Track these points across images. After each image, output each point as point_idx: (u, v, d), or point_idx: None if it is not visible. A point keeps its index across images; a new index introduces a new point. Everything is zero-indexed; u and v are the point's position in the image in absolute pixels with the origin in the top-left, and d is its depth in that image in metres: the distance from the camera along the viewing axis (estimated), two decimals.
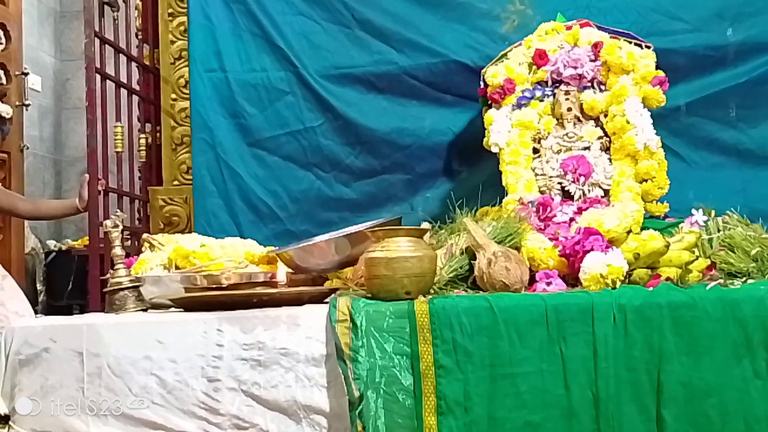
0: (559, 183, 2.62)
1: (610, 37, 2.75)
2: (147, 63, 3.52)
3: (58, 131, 5.17)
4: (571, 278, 2.11)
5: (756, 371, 1.74)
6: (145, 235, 2.64)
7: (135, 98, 3.47)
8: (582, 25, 2.81)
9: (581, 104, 2.71)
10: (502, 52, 2.87)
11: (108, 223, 2.30)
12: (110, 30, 3.26)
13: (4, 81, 3.89)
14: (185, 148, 3.37)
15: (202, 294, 2.08)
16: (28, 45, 4.42)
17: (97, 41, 3.05)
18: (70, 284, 3.79)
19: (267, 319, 1.87)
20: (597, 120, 2.71)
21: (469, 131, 3.09)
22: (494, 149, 2.68)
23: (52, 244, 4.56)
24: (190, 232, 3.02)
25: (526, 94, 2.74)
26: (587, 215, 2.35)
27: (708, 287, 1.87)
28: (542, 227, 2.39)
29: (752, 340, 1.75)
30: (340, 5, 3.23)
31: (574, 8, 2.99)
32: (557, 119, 2.72)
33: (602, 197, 2.58)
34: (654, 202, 2.65)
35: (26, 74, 4.29)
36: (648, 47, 2.75)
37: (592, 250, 2.04)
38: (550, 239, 2.26)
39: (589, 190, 2.60)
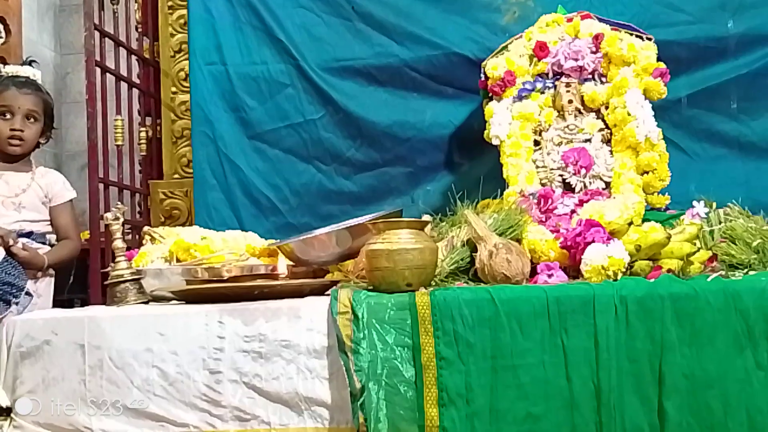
0: (560, 175, 2.62)
1: (611, 29, 2.74)
2: (147, 56, 3.52)
3: (59, 125, 5.14)
4: (573, 270, 2.11)
5: (758, 362, 1.73)
6: (146, 228, 2.64)
7: (135, 91, 3.47)
8: (583, 17, 2.80)
9: (582, 96, 2.71)
10: (503, 45, 2.85)
11: (108, 215, 2.30)
12: (110, 23, 3.26)
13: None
14: (186, 141, 3.37)
15: (203, 286, 2.07)
16: (27, 39, 4.40)
17: (96, 34, 3.05)
18: (71, 278, 3.76)
19: (268, 311, 1.86)
20: (598, 112, 2.70)
21: (470, 124, 3.08)
22: (495, 142, 2.67)
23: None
24: (191, 225, 3.01)
25: (527, 86, 2.73)
26: (588, 207, 2.35)
27: (709, 279, 1.86)
28: (543, 219, 2.39)
29: (754, 331, 1.74)
30: None
31: (575, 0, 2.99)
32: (558, 111, 2.71)
33: (603, 189, 2.57)
34: (655, 194, 2.64)
35: None
36: (649, 39, 2.73)
37: (593, 241, 2.04)
38: (552, 231, 2.27)
39: (590, 182, 2.59)
